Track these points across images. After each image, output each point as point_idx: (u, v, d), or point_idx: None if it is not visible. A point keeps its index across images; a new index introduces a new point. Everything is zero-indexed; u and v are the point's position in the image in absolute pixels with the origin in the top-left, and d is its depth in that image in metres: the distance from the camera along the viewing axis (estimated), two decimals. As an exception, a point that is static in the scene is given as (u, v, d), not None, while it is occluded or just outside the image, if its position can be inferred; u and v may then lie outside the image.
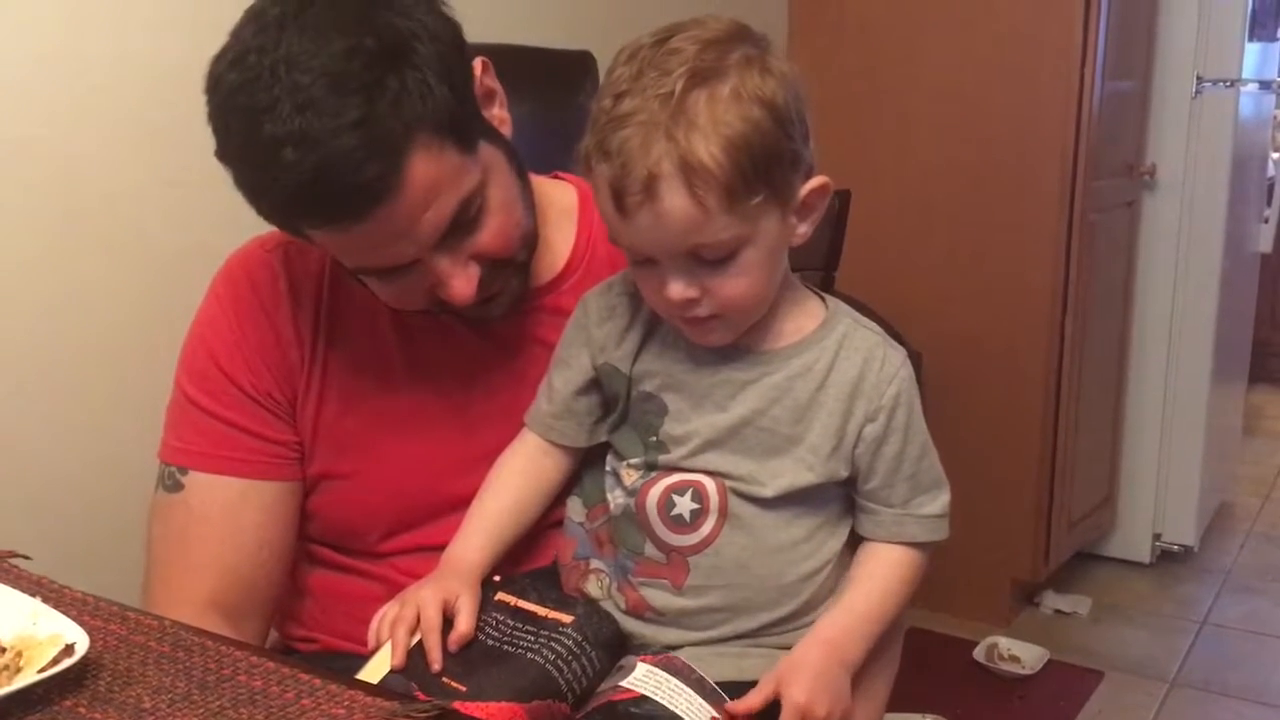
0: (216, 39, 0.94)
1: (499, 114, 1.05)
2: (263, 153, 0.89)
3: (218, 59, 0.93)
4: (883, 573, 1.00)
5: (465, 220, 0.98)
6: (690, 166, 0.86)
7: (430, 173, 0.93)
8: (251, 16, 0.93)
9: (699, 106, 0.86)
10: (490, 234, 1.00)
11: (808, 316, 1.01)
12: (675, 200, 0.87)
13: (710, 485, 0.97)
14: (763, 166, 0.88)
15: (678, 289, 0.91)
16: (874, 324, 1.02)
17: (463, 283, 1.00)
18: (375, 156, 0.89)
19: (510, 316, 1.11)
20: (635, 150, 0.87)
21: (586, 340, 1.03)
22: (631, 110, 0.87)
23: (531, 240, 1.08)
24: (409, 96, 0.90)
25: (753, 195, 0.88)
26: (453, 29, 0.97)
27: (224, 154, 0.94)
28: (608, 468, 1.03)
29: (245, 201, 0.95)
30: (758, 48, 0.91)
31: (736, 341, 0.98)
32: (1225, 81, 2.80)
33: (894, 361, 0.99)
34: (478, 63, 1.02)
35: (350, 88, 0.88)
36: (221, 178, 0.95)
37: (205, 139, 0.95)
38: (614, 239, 0.94)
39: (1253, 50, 2.90)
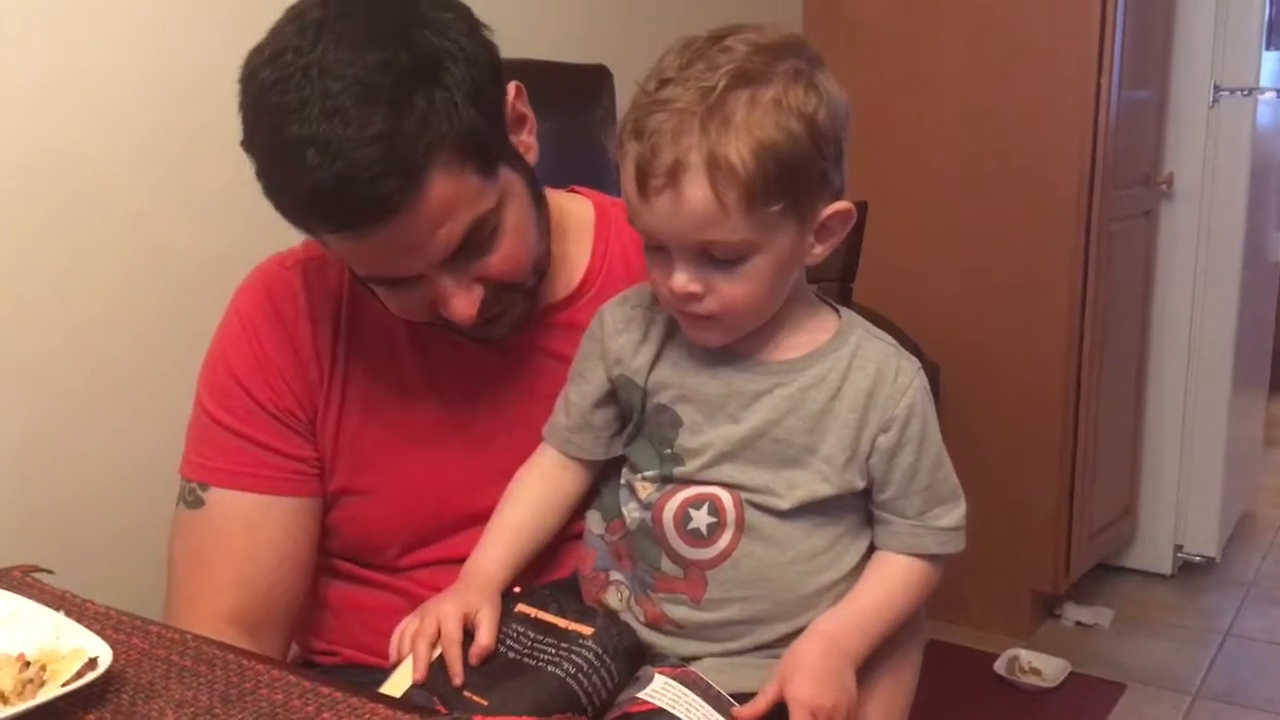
0: (240, 55, 0.95)
1: (526, 140, 1.05)
2: (286, 151, 0.90)
3: (256, 51, 0.94)
4: (890, 576, 1.00)
5: (476, 242, 0.98)
6: (716, 161, 0.87)
7: (447, 192, 0.94)
8: (293, 15, 0.94)
9: (738, 106, 0.87)
10: (501, 258, 1.01)
11: (820, 328, 1.01)
12: (696, 192, 0.88)
13: (726, 498, 0.97)
14: (788, 177, 0.88)
15: (681, 281, 0.92)
16: (887, 335, 1.02)
17: (464, 303, 1.00)
18: (393, 172, 0.90)
19: (527, 332, 1.12)
20: (667, 135, 0.88)
21: (602, 353, 1.03)
22: (671, 97, 0.88)
23: (542, 266, 1.08)
24: (435, 116, 0.91)
25: (772, 203, 0.89)
26: (489, 53, 0.98)
27: (250, 145, 0.95)
28: (622, 481, 1.03)
29: (267, 214, 0.96)
30: (809, 62, 0.92)
31: (749, 352, 0.98)
32: (1243, 90, 2.79)
33: (907, 372, 0.99)
34: (512, 87, 1.02)
35: (378, 100, 0.89)
36: (244, 194, 0.95)
37: (230, 155, 0.96)
38: (631, 220, 0.94)
39: (1270, 58, 2.89)
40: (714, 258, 0.91)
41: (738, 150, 0.86)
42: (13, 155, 1.31)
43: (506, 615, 0.99)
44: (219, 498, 1.09)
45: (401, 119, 0.90)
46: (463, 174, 0.95)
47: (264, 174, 0.95)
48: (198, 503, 1.10)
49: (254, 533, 1.09)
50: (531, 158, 1.06)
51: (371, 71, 0.89)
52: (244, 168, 0.95)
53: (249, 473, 1.09)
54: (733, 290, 0.92)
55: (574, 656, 0.95)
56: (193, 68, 1.45)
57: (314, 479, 1.11)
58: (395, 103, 0.89)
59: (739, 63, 0.88)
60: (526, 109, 1.05)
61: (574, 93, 1.57)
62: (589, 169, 1.23)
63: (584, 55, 1.65)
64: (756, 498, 0.97)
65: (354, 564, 1.15)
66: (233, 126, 0.95)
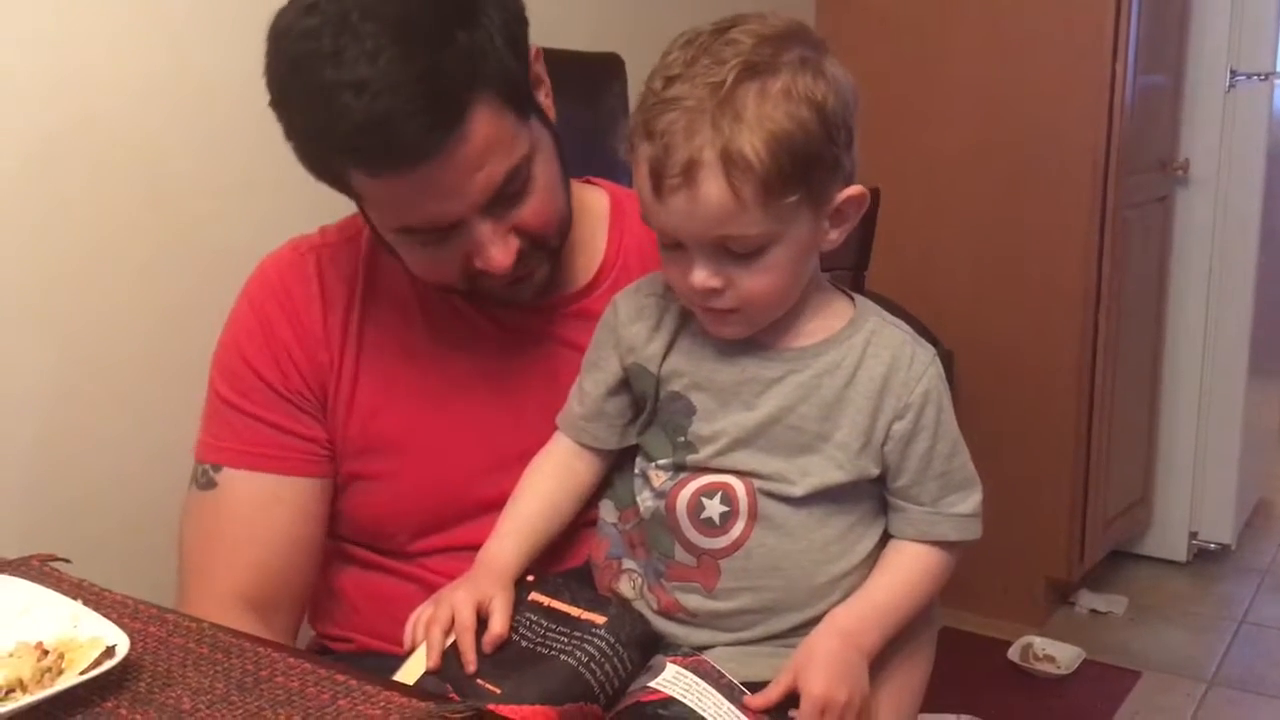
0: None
1: (545, 102, 1.06)
2: (323, 97, 0.90)
3: (286, 8, 0.94)
4: (907, 566, 1.00)
5: (512, 190, 0.99)
6: (731, 157, 0.86)
7: (489, 132, 0.94)
8: None
9: (748, 99, 0.87)
10: (533, 210, 1.01)
11: (835, 315, 1.01)
12: (711, 188, 0.87)
13: (739, 487, 0.97)
14: (802, 166, 0.88)
15: (701, 277, 0.92)
16: (902, 322, 1.02)
17: (501, 251, 1.00)
18: (438, 107, 0.90)
19: (543, 321, 1.12)
20: (679, 134, 0.87)
21: (615, 341, 1.04)
22: (680, 94, 0.88)
23: (566, 227, 1.08)
24: (477, 53, 0.92)
25: (788, 194, 0.89)
26: (518, 2, 0.99)
27: (283, 100, 0.95)
28: (636, 469, 1.04)
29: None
30: (815, 49, 0.92)
31: (763, 339, 0.98)
32: (1259, 75, 2.77)
33: (922, 359, 0.99)
34: (532, 47, 1.03)
35: (418, 39, 0.89)
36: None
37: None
38: (646, 219, 0.94)
39: (1287, 43, 2.87)
40: (732, 252, 0.91)
41: (751, 144, 0.86)
42: (18, 149, 1.31)
43: (520, 604, 0.99)
44: (230, 478, 1.10)
45: (444, 56, 0.90)
46: (502, 116, 0.95)
47: (297, 126, 0.94)
48: (209, 484, 1.11)
49: (264, 513, 1.10)
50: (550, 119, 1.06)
51: (410, 9, 0.90)
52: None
53: (259, 452, 1.10)
54: (753, 283, 0.92)
55: (586, 645, 0.95)
56: (198, 63, 1.45)
57: (324, 460, 1.12)
58: (437, 41, 0.90)
59: (746, 55, 0.88)
60: (543, 72, 1.06)
61: (585, 82, 1.56)
62: (601, 159, 1.22)
63: (595, 43, 1.65)
64: (770, 485, 0.97)
65: (367, 550, 1.15)
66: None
